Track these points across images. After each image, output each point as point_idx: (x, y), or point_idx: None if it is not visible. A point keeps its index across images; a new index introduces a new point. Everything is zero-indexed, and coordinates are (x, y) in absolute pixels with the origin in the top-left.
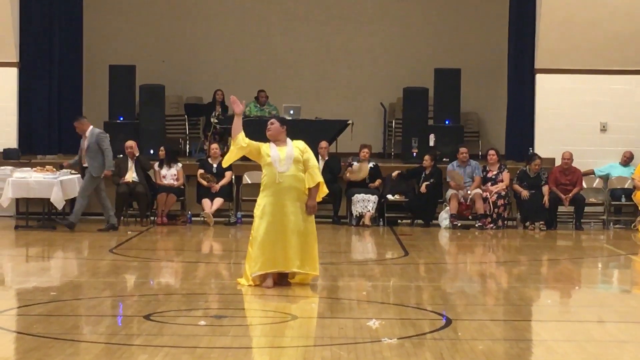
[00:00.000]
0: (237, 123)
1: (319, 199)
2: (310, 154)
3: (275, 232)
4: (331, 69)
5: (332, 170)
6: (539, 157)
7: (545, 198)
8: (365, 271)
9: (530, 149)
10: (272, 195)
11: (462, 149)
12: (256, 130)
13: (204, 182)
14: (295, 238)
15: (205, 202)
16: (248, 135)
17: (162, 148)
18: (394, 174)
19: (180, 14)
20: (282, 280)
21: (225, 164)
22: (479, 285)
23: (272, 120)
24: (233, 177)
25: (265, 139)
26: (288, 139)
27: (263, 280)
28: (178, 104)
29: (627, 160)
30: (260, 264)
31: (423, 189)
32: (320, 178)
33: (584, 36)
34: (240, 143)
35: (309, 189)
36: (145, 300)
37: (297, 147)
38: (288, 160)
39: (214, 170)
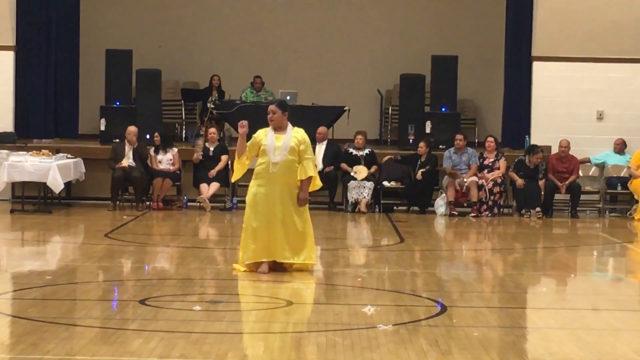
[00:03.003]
0: (241, 143)
1: (310, 190)
2: (307, 145)
3: (266, 221)
4: (328, 55)
5: (333, 156)
6: (542, 151)
7: (542, 193)
8: (361, 258)
9: (527, 136)
10: (264, 183)
11: (458, 136)
12: (252, 115)
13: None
14: (286, 228)
15: (203, 186)
16: (244, 119)
17: (156, 134)
18: (385, 159)
19: None
20: (277, 265)
21: (234, 179)
22: (475, 273)
23: (274, 108)
24: (229, 162)
25: (261, 124)
26: (289, 126)
27: (258, 266)
28: (175, 89)
29: (619, 148)
30: (251, 252)
31: (419, 176)
32: (312, 172)
33: (581, 24)
34: (244, 162)
35: (301, 180)
36: (141, 285)
37: (296, 137)
38: (283, 150)
39: (211, 154)
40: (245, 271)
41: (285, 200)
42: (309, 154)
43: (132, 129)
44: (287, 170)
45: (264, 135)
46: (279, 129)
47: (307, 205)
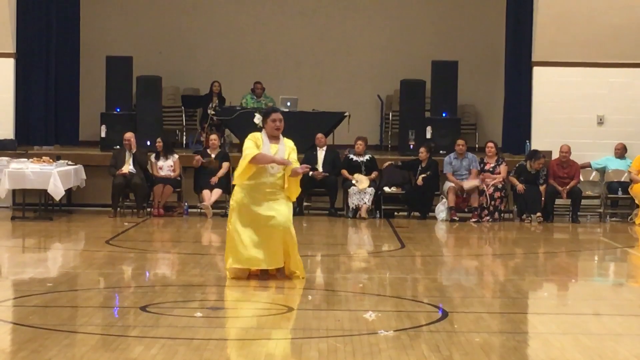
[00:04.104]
0: (270, 160)
1: (292, 198)
2: (295, 153)
3: (252, 229)
4: (328, 60)
5: (332, 162)
6: (544, 156)
7: (542, 198)
8: (362, 263)
9: (527, 141)
10: (253, 191)
11: (460, 141)
12: (252, 121)
13: (204, 162)
14: (271, 238)
15: (206, 193)
16: (245, 125)
17: (159, 140)
18: (385, 164)
19: (178, 5)
20: (279, 272)
21: (239, 181)
22: (476, 278)
23: (280, 116)
24: (230, 168)
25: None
26: (281, 136)
27: (244, 273)
28: (175, 96)
29: (619, 152)
30: (237, 258)
31: (420, 181)
32: (296, 164)
33: (581, 29)
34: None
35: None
36: (142, 291)
37: (288, 147)
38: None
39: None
40: (233, 278)
41: (272, 210)
42: (295, 159)
43: (128, 135)
44: (278, 179)
45: (260, 142)
46: (275, 138)
47: (291, 219)
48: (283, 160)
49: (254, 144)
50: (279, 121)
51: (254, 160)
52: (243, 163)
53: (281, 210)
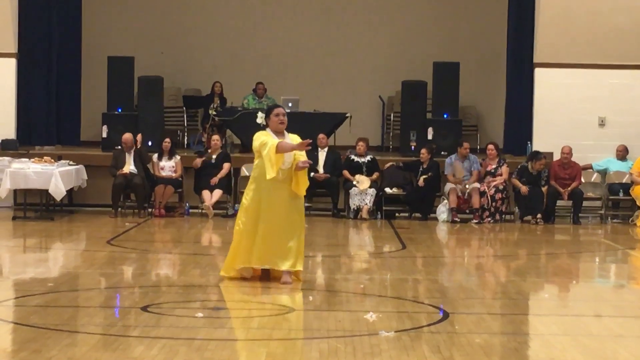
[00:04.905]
0: (290, 149)
1: (302, 192)
2: None
3: (266, 228)
4: (330, 61)
5: (333, 163)
6: (544, 157)
7: (544, 199)
8: (363, 264)
9: (529, 142)
10: (266, 189)
11: (466, 144)
12: (254, 122)
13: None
14: (285, 236)
15: (205, 193)
16: (246, 126)
17: (168, 140)
18: (387, 165)
19: (179, 5)
20: (278, 273)
21: (274, 174)
22: (477, 279)
23: (282, 111)
24: (232, 169)
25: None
26: (285, 132)
27: (247, 272)
28: (176, 96)
29: (621, 154)
30: (246, 257)
31: (421, 182)
32: (303, 157)
33: (583, 30)
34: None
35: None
36: (143, 291)
37: (294, 141)
38: (289, 158)
39: (213, 161)
40: (233, 277)
41: (286, 207)
42: (303, 153)
43: (126, 136)
44: (288, 174)
45: (269, 138)
46: (280, 133)
47: (304, 213)
48: (301, 145)
49: (267, 140)
50: (282, 115)
51: (277, 150)
52: (270, 155)
53: (291, 211)
